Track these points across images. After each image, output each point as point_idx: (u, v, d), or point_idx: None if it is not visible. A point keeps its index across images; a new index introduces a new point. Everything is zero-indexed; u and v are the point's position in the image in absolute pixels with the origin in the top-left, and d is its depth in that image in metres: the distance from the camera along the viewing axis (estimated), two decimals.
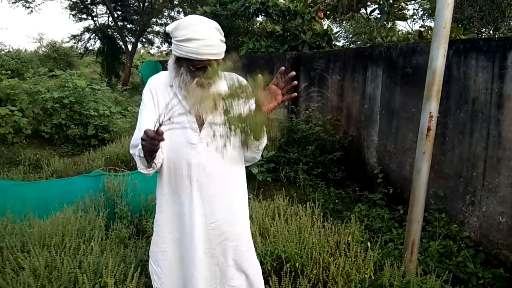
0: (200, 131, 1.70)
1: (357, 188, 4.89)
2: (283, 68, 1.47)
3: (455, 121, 3.54)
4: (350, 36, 18.06)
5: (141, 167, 1.67)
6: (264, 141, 1.69)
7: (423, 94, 2.64)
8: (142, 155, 1.60)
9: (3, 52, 15.85)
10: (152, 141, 1.45)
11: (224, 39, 1.61)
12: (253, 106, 1.55)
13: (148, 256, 1.92)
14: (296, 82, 1.51)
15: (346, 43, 16.87)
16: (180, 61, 1.63)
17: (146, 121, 1.70)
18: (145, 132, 1.46)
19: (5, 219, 2.99)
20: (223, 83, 1.71)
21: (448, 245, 3.06)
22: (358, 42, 13.68)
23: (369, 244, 2.88)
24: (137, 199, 3.61)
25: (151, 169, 1.67)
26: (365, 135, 5.04)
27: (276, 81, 1.50)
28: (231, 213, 1.79)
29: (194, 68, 1.59)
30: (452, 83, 3.58)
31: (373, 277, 2.57)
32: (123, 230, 3.03)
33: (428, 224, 3.51)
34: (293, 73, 1.48)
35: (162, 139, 1.46)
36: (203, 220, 1.73)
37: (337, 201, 4.57)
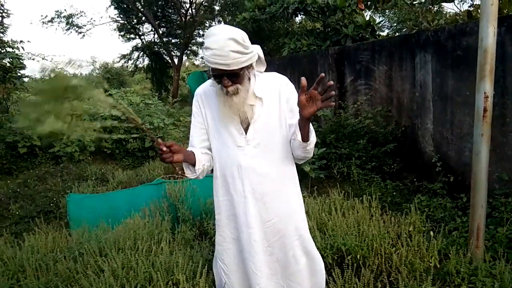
0: (246, 133, 1.78)
1: (415, 179, 4.76)
2: (323, 74, 1.46)
3: None
4: (395, 24, 17.47)
5: (187, 173, 1.80)
6: (312, 140, 1.69)
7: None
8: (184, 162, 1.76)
9: None
10: (160, 153, 1.62)
11: (243, 49, 1.59)
12: (296, 107, 1.60)
13: (214, 255, 2.02)
14: (333, 92, 1.49)
15: (391, 32, 16.36)
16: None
17: (194, 131, 1.88)
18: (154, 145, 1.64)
19: (81, 229, 3.27)
20: (263, 84, 1.79)
21: None
22: (404, 30, 13.24)
23: (431, 233, 2.82)
24: (197, 203, 3.78)
25: (196, 174, 1.80)
26: (419, 124, 4.90)
27: (316, 86, 1.49)
28: (286, 210, 1.84)
29: (212, 76, 1.67)
30: (508, 61, 3.41)
31: (438, 266, 2.52)
32: (187, 232, 3.20)
33: (494, 210, 3.36)
34: (331, 82, 1.46)
35: (165, 152, 1.61)
36: (259, 219, 1.80)
37: (394, 193, 4.48)
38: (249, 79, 1.75)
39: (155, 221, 3.20)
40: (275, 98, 1.79)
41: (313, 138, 1.70)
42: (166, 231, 2.99)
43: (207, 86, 1.87)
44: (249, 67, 1.72)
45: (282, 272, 1.87)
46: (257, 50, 1.75)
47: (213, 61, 1.57)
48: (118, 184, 5.30)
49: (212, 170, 1.93)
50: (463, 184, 4.00)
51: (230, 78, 1.64)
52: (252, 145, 1.77)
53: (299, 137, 1.67)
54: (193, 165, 1.78)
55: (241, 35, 1.60)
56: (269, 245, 1.83)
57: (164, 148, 1.60)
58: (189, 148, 1.83)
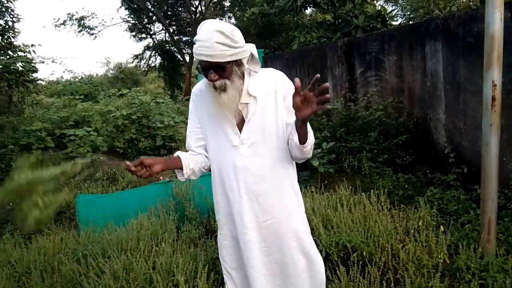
0: (240, 133, 1.73)
1: (428, 171, 4.63)
2: (318, 75, 1.38)
3: None
4: (408, 13, 17.11)
5: (179, 176, 1.80)
6: (309, 142, 1.62)
7: None
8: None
9: (77, 79, 17.31)
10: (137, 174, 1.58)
11: (230, 42, 1.55)
12: (291, 108, 1.52)
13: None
14: (329, 95, 1.40)
15: (404, 21, 16.02)
16: None
17: (190, 130, 1.86)
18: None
19: (88, 229, 3.28)
20: (258, 81, 1.73)
21: None
22: (416, 18, 12.95)
23: (442, 227, 2.72)
24: (204, 201, 3.76)
25: (184, 177, 1.78)
26: (431, 115, 4.77)
27: (312, 87, 1.41)
28: (282, 211, 1.78)
29: (200, 71, 1.63)
30: None
31: (448, 261, 2.43)
32: (193, 231, 3.18)
33: (510, 201, 3.24)
34: (327, 84, 1.38)
35: (133, 172, 1.57)
36: (254, 220, 1.75)
37: (406, 186, 4.37)
38: (242, 77, 1.70)
39: (161, 220, 3.19)
40: (271, 95, 1.73)
41: (310, 140, 1.62)
42: (170, 230, 2.97)
43: (204, 85, 1.83)
44: (239, 64, 1.66)
45: (280, 273, 1.82)
46: (250, 48, 1.69)
47: (198, 52, 1.54)
48: (128, 183, 5.33)
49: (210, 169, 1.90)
50: (477, 175, 3.85)
51: (216, 72, 1.58)
52: (247, 145, 1.72)
53: (296, 139, 1.60)
54: (181, 168, 1.77)
55: (230, 29, 1.56)
56: (266, 245, 1.78)
57: (133, 169, 1.56)
58: (179, 153, 1.82)
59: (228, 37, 1.54)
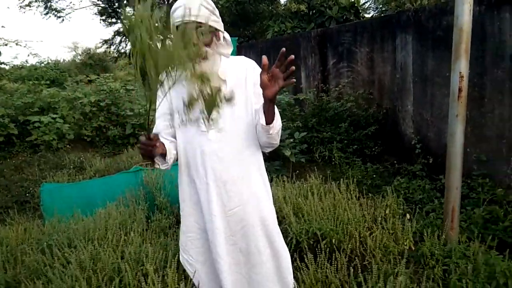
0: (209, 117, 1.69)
1: (395, 162, 4.76)
2: (284, 49, 1.38)
3: (493, 81, 3.35)
4: (380, 6, 17.34)
5: (160, 165, 1.67)
6: (275, 125, 1.60)
7: None
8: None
9: (43, 64, 16.63)
10: (145, 147, 1.46)
11: (213, 9, 1.60)
12: (260, 90, 1.51)
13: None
14: (293, 67, 1.40)
15: (377, 14, 16.24)
16: None
17: (158, 117, 1.76)
18: (139, 139, 1.48)
19: (53, 219, 3.18)
20: (229, 67, 1.71)
21: (494, 210, 2.92)
22: (388, 11, 13.15)
23: (408, 215, 2.80)
24: (175, 190, 3.70)
25: (166, 164, 1.68)
26: (399, 106, 4.88)
27: (278, 63, 1.41)
28: (250, 199, 1.76)
29: None
30: (487, 41, 3.37)
31: (413, 248, 2.51)
32: (163, 220, 3.13)
33: (472, 190, 3.37)
34: (292, 56, 1.39)
35: (153, 144, 1.46)
36: (221, 207, 1.72)
37: (374, 176, 4.47)
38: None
39: (130, 210, 3.13)
40: (241, 82, 1.72)
41: (277, 123, 1.61)
42: (139, 220, 2.92)
43: None
44: (217, 37, 1.66)
45: (245, 262, 1.80)
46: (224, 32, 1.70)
47: (181, 14, 1.53)
48: (96, 172, 5.18)
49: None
50: (442, 166, 3.98)
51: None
52: (215, 130, 1.69)
53: (261, 120, 1.58)
54: (164, 155, 1.67)
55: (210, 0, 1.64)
56: (232, 234, 1.76)
57: (156, 144, 1.49)
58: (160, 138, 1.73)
59: (210, 4, 1.61)
